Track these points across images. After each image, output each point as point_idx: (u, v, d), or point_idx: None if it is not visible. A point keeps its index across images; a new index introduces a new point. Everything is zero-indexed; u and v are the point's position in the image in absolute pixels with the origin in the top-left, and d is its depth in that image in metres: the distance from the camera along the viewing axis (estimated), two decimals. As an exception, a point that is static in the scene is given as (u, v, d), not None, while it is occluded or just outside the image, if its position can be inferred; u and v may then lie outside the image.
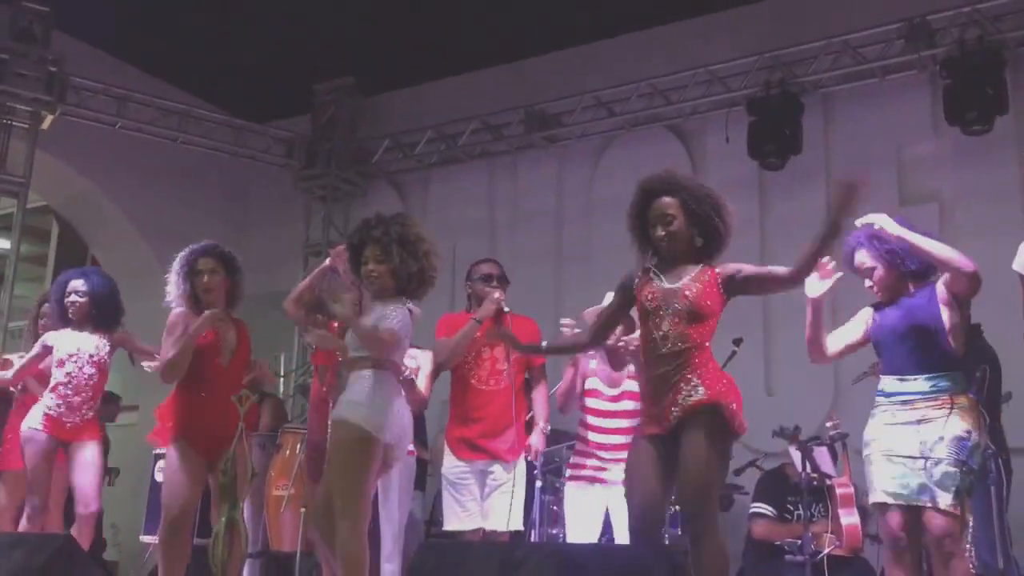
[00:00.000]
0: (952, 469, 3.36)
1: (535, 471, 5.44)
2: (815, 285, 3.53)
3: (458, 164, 8.84)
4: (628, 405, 4.24)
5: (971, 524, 3.74)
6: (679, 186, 3.34)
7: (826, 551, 4.78)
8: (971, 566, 3.67)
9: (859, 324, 3.72)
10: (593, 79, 8.03)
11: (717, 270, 3.32)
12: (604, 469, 4.23)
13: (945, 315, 3.50)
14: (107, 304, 4.95)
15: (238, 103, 9.04)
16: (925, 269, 3.58)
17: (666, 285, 3.27)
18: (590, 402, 4.36)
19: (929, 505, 3.38)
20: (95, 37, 8.48)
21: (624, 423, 4.24)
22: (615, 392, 4.34)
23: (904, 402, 3.50)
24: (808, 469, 4.78)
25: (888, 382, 3.57)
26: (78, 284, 4.94)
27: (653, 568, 2.04)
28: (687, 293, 3.24)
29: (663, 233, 3.29)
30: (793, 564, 4.87)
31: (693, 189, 3.34)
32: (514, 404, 4.41)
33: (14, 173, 7.78)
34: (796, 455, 4.82)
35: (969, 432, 3.41)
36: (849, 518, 4.91)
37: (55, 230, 10.69)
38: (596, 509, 4.18)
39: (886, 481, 3.47)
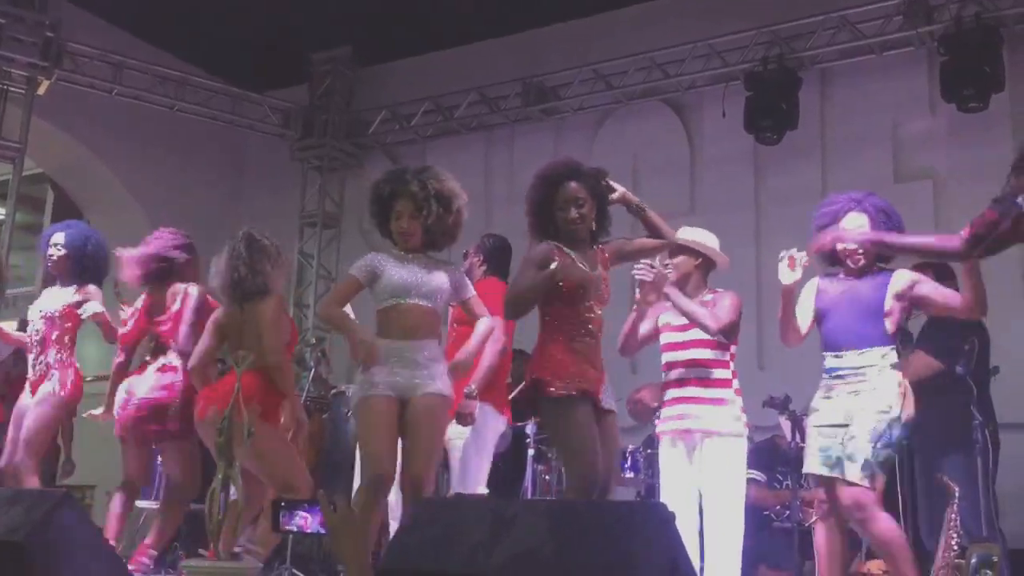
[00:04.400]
0: (866, 444, 3.50)
1: (527, 439, 5.50)
2: (787, 273, 3.68)
3: (455, 136, 8.84)
4: (698, 334, 4.04)
5: (957, 492, 3.82)
6: (584, 173, 3.45)
7: (814, 520, 4.84)
8: (956, 534, 3.75)
9: (810, 297, 3.85)
10: (591, 52, 8.03)
11: (606, 252, 3.51)
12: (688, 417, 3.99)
13: (890, 304, 3.65)
14: (86, 257, 4.79)
15: (235, 72, 9.00)
16: (889, 254, 3.72)
17: (587, 270, 3.40)
18: (665, 337, 4.13)
19: (839, 477, 3.53)
20: (92, 3, 8.43)
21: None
22: (684, 321, 4.08)
23: (838, 376, 3.66)
24: (798, 439, 4.82)
25: (827, 358, 3.73)
26: (58, 237, 4.83)
27: (645, 522, 2.08)
28: (606, 279, 3.46)
29: (576, 215, 3.38)
30: (781, 531, 4.93)
31: (595, 176, 3.46)
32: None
33: (10, 138, 7.77)
34: (786, 424, 4.86)
35: (890, 406, 3.55)
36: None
37: (50, 198, 10.67)
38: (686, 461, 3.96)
39: (813, 453, 3.66)
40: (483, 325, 3.63)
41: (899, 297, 3.68)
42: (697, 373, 3.97)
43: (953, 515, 3.88)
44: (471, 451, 4.18)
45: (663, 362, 4.13)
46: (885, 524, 3.55)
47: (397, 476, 3.42)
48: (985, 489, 3.95)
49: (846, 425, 3.56)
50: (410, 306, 3.46)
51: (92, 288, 4.78)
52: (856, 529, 3.65)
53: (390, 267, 3.52)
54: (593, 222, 3.44)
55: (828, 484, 3.63)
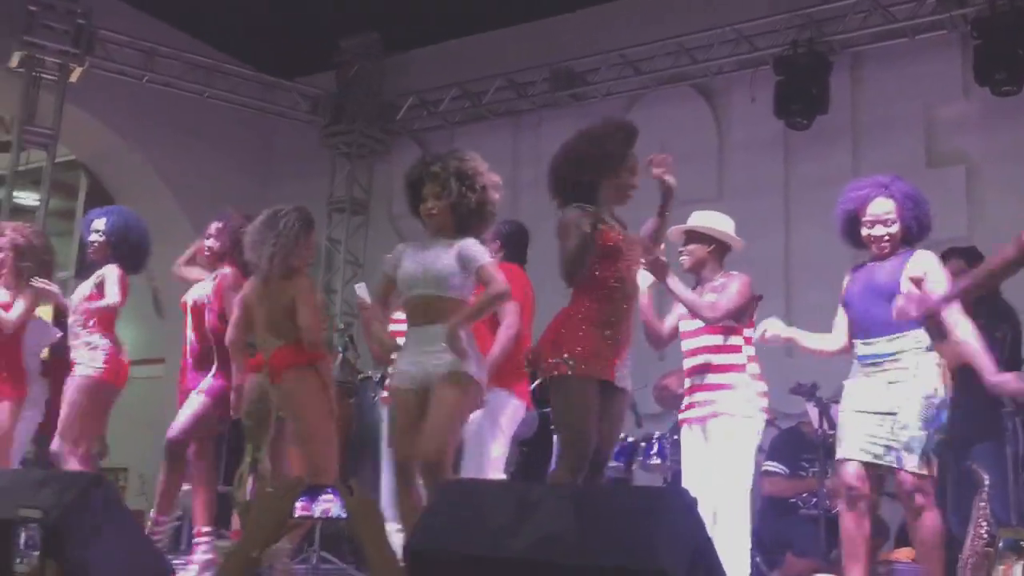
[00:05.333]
0: (919, 433, 3.47)
1: (552, 425, 5.50)
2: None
3: (482, 122, 8.83)
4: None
5: (987, 481, 3.79)
6: None
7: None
8: (986, 523, 3.72)
9: (841, 299, 3.83)
10: (619, 37, 7.98)
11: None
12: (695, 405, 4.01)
13: (907, 286, 3.55)
14: (126, 244, 4.81)
15: (265, 59, 9.06)
16: (916, 239, 3.68)
17: (626, 234, 3.40)
18: (681, 326, 4.12)
19: (896, 467, 3.50)
20: (123, -10, 8.52)
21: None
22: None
23: (873, 364, 3.61)
24: (825, 426, 4.80)
25: (857, 346, 3.68)
26: (99, 223, 4.86)
27: (667, 507, 2.08)
28: (637, 242, 3.46)
29: (637, 184, 3.44)
30: (807, 518, 4.92)
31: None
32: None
33: (43, 125, 7.86)
34: (813, 411, 4.84)
35: (935, 390, 3.51)
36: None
37: (83, 185, 10.78)
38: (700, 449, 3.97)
39: (856, 438, 3.58)
40: (492, 289, 3.45)
41: (916, 281, 3.59)
42: (707, 359, 3.98)
43: (983, 504, 3.85)
44: (486, 436, 4.18)
45: (682, 350, 4.15)
46: (937, 519, 3.54)
47: None
48: (1015, 477, 3.91)
49: (893, 413, 3.52)
50: (419, 296, 3.44)
51: (111, 269, 4.78)
52: (909, 516, 3.59)
53: (406, 258, 3.52)
54: None
55: (872, 471, 3.58)
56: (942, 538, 3.59)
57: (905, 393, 3.52)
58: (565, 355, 3.27)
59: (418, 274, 3.44)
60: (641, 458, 5.59)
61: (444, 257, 3.43)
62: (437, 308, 3.40)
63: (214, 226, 4.65)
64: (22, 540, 2.20)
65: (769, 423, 5.67)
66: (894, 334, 3.57)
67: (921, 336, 3.59)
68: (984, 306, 4.39)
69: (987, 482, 3.80)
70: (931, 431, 3.49)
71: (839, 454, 3.65)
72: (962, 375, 4.25)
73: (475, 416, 4.09)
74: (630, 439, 5.71)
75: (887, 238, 3.66)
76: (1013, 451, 3.93)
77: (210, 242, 4.62)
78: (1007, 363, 4.15)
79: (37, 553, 2.15)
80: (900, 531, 4.88)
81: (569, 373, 3.25)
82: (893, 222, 3.64)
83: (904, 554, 4.47)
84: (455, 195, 3.44)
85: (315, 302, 3.92)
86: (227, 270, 4.55)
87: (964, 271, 3.72)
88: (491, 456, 4.21)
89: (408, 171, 3.62)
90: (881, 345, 3.60)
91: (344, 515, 2.07)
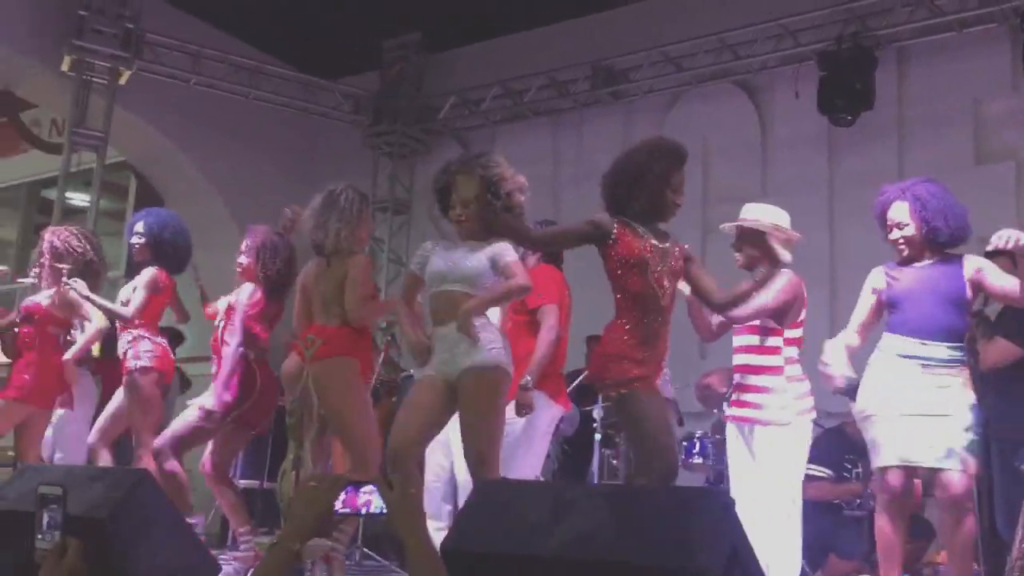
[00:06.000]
0: (974, 436, 3.50)
1: (594, 423, 5.50)
2: None
3: (523, 120, 8.85)
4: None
5: None
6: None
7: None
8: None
9: (870, 289, 3.80)
10: (661, 34, 7.95)
11: (680, 251, 3.43)
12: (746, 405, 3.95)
13: (968, 293, 3.61)
14: (164, 243, 4.87)
15: (308, 60, 9.16)
16: (949, 241, 3.65)
17: (657, 243, 3.34)
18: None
19: (958, 468, 3.48)
20: (170, -7, 8.66)
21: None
22: None
23: (925, 366, 3.58)
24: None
25: (907, 344, 3.62)
26: (139, 226, 4.94)
27: (704, 508, 2.08)
28: (676, 255, 3.38)
29: (680, 203, 3.38)
30: (851, 519, 4.86)
31: None
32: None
33: (93, 128, 8.03)
34: (856, 410, 4.77)
35: (974, 396, 3.58)
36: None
37: (133, 185, 10.99)
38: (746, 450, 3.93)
39: (904, 443, 3.55)
40: (515, 281, 3.47)
41: (972, 285, 3.62)
42: (747, 360, 3.95)
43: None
44: (522, 439, 4.18)
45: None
46: (974, 522, 3.55)
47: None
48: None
49: (946, 415, 3.51)
50: (446, 292, 3.46)
51: (147, 271, 4.86)
52: (950, 518, 3.56)
53: (435, 255, 3.55)
54: None
55: (914, 476, 3.59)
56: (975, 542, 3.60)
57: (957, 398, 3.53)
58: (612, 374, 3.29)
59: (446, 270, 3.48)
60: (683, 457, 5.56)
61: (474, 256, 3.47)
62: (460, 304, 3.41)
63: (244, 243, 4.71)
64: (44, 518, 2.25)
65: (814, 423, 5.64)
66: (955, 342, 3.59)
67: (966, 351, 3.66)
68: (1015, 314, 4.30)
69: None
70: (977, 435, 3.52)
71: (882, 460, 3.61)
72: (1009, 374, 4.20)
73: (514, 419, 4.11)
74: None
75: (902, 241, 3.69)
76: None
77: (240, 258, 4.68)
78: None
79: (58, 531, 2.20)
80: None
81: (624, 391, 3.27)
82: (906, 225, 3.66)
83: (945, 557, 4.40)
84: (480, 201, 3.47)
85: (367, 279, 3.91)
86: (252, 286, 4.60)
87: (1010, 271, 3.65)
88: (525, 458, 4.21)
89: (435, 177, 3.66)
90: (940, 350, 3.57)
91: (384, 511, 2.08)
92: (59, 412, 5.02)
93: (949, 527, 3.58)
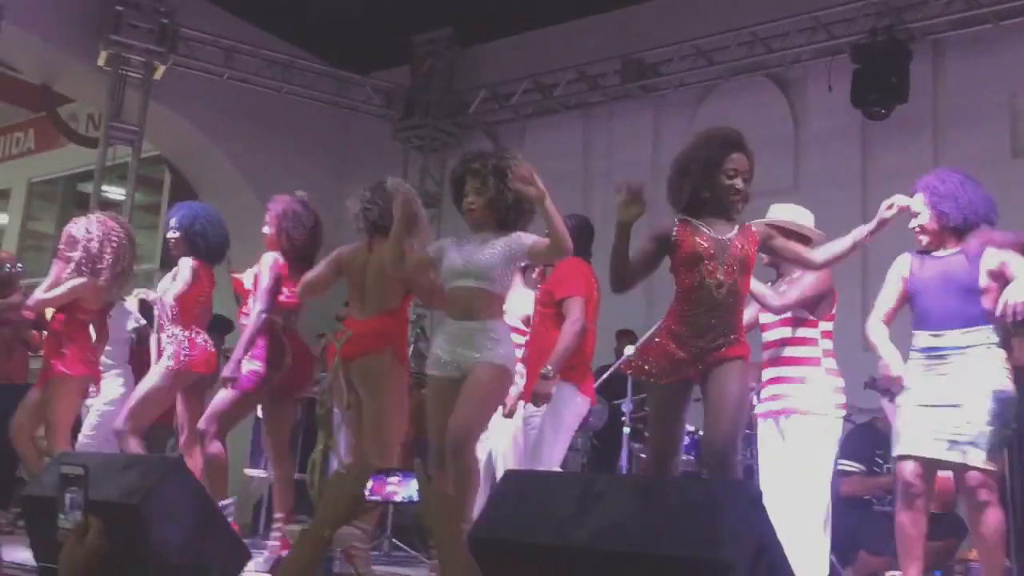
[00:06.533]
0: (987, 427, 3.42)
1: (623, 417, 5.50)
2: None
3: (554, 115, 8.85)
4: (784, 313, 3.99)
5: None
6: (748, 147, 3.39)
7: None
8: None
9: (898, 276, 3.76)
10: (692, 27, 7.91)
11: (754, 229, 3.40)
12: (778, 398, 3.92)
13: (985, 281, 3.54)
14: (196, 235, 4.87)
15: (340, 54, 9.21)
16: (963, 225, 3.62)
17: (715, 235, 3.31)
18: (760, 318, 4.04)
19: (962, 462, 3.44)
20: (204, -11, 8.75)
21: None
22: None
23: (938, 356, 3.55)
24: (901, 422, 4.69)
25: (922, 337, 3.62)
26: (173, 221, 4.96)
27: (730, 499, 2.08)
28: (739, 244, 3.31)
29: (741, 187, 3.32)
30: (881, 515, 4.82)
31: (751, 151, 3.40)
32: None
33: (129, 122, 8.13)
34: (889, 407, 4.73)
35: (1003, 386, 3.47)
36: (941, 472, 4.81)
37: (167, 179, 11.11)
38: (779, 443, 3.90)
39: (917, 435, 3.52)
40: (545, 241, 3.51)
41: (993, 275, 3.55)
42: (781, 352, 3.94)
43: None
44: (547, 431, 4.20)
45: (761, 343, 4.10)
46: (1000, 516, 3.49)
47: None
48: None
49: (957, 406, 3.47)
50: (460, 288, 3.54)
51: (183, 260, 4.87)
52: (971, 512, 3.54)
53: (450, 252, 3.62)
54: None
55: (929, 465, 3.54)
56: (1004, 537, 3.54)
57: (970, 386, 3.48)
58: (642, 363, 3.35)
59: (460, 266, 3.54)
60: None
61: (487, 250, 3.54)
62: (477, 301, 3.51)
63: (267, 214, 4.74)
64: (67, 499, 2.29)
65: (845, 419, 5.60)
66: (968, 328, 3.53)
67: (991, 333, 3.55)
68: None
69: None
70: (998, 425, 3.43)
71: (898, 450, 3.60)
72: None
73: (540, 410, 4.13)
74: (701, 432, 5.67)
75: (918, 230, 3.70)
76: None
77: (264, 228, 4.72)
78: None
79: (80, 511, 2.23)
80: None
81: (650, 381, 3.33)
82: (918, 213, 3.68)
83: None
84: (493, 191, 3.54)
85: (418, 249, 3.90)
86: (275, 254, 4.63)
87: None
88: (551, 450, 4.23)
89: (453, 167, 3.76)
90: (953, 337, 3.54)
91: (411, 500, 2.10)
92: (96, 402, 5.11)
93: (973, 521, 3.54)
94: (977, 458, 3.42)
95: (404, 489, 2.10)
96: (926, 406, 3.53)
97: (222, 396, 4.51)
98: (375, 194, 4.08)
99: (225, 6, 8.92)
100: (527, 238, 3.56)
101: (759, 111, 7.78)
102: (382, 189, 4.07)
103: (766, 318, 4.04)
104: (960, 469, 3.48)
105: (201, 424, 4.51)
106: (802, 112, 7.70)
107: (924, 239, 3.71)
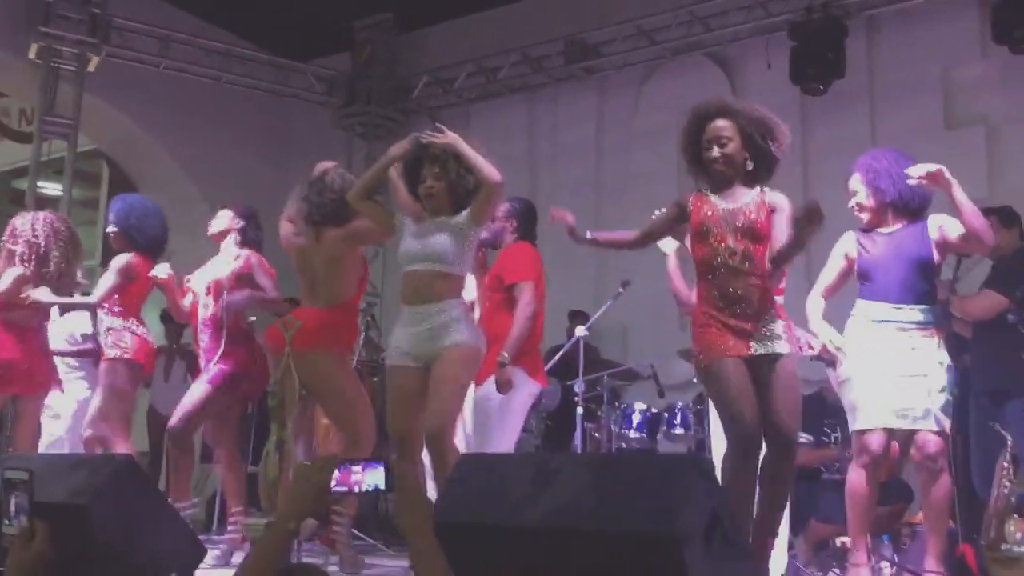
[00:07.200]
0: (946, 396, 3.57)
1: (576, 397, 5.54)
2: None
3: (498, 98, 8.83)
4: None
5: (1009, 440, 3.81)
6: (733, 109, 3.37)
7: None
8: (1009, 482, 3.73)
9: (840, 254, 3.85)
10: (633, 7, 7.94)
11: (767, 198, 3.36)
12: None
13: (935, 255, 3.68)
14: (132, 228, 4.83)
15: (279, 42, 9.08)
16: (907, 206, 3.72)
17: (724, 204, 3.33)
18: None
19: (932, 429, 3.55)
20: (136, -22, 8.55)
21: None
22: None
23: (901, 329, 3.64)
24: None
25: (880, 308, 3.68)
26: (110, 216, 4.92)
27: (684, 474, 2.10)
28: (747, 212, 3.30)
29: (718, 154, 3.32)
30: (831, 482, 4.92)
31: (747, 112, 3.37)
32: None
33: (63, 115, 7.94)
34: (833, 376, 4.83)
35: (947, 358, 3.63)
36: (889, 440, 4.93)
37: (105, 173, 10.89)
38: None
39: (884, 406, 3.60)
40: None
41: (937, 245, 3.69)
42: None
43: (1006, 463, 3.85)
44: (495, 416, 4.22)
45: None
46: (948, 480, 3.61)
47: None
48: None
49: (924, 375, 3.57)
50: (417, 271, 3.52)
51: (116, 258, 4.83)
52: (926, 478, 3.64)
53: (407, 234, 3.61)
54: (748, 161, 3.34)
55: (894, 436, 3.64)
56: (952, 502, 3.66)
57: (932, 359, 3.59)
58: (694, 350, 3.37)
59: (417, 250, 3.52)
60: (665, 428, 5.61)
61: (442, 234, 3.51)
62: (434, 284, 3.48)
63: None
64: (11, 504, 2.25)
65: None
66: (923, 304, 3.64)
67: (940, 311, 3.71)
68: (1008, 263, 4.40)
69: (1009, 442, 3.80)
70: (949, 395, 3.59)
71: (862, 423, 3.65)
72: (990, 335, 4.28)
73: (491, 394, 4.14)
74: (653, 410, 5.73)
75: (856, 208, 3.80)
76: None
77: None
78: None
79: (25, 516, 2.19)
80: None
81: (702, 367, 3.33)
82: (855, 192, 3.78)
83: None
84: (454, 175, 3.51)
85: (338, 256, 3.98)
86: (246, 252, 4.62)
87: (996, 228, 3.77)
88: (504, 435, 4.24)
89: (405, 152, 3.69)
90: (913, 313, 3.63)
91: (377, 488, 2.10)
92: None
93: (925, 486, 3.65)
94: (941, 425, 3.55)
95: (368, 478, 2.10)
96: (890, 376, 3.60)
97: (198, 394, 4.49)
98: (312, 187, 4.03)
99: (159, -5, 8.75)
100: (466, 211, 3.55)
101: (700, 90, 7.80)
102: (321, 180, 4.03)
103: None
104: (919, 436, 3.58)
105: (175, 423, 4.48)
106: (742, 90, 7.76)
107: (864, 216, 3.79)
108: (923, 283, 3.66)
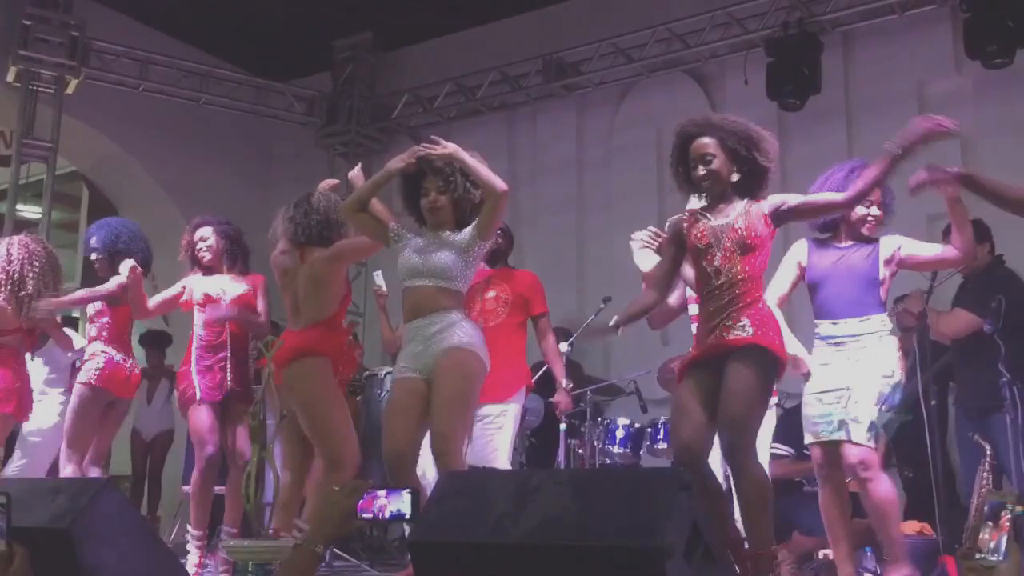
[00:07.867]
0: (870, 407, 3.56)
1: (559, 413, 5.54)
2: (645, 258, 3.73)
3: (478, 116, 8.87)
4: None
5: (988, 451, 3.84)
6: (714, 125, 3.40)
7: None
8: (988, 492, 3.76)
9: (793, 264, 3.89)
10: (610, 25, 8.00)
11: (762, 204, 3.38)
12: None
13: (883, 272, 3.71)
14: (119, 254, 4.84)
15: (259, 63, 9.09)
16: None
17: (714, 223, 3.36)
18: (692, 308, 4.15)
19: (844, 439, 3.58)
20: (116, 0, 8.55)
21: None
22: None
23: (836, 343, 3.70)
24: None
25: (823, 326, 3.76)
26: (93, 242, 4.91)
27: (664, 489, 2.12)
28: (736, 226, 3.32)
29: (704, 172, 3.35)
30: (813, 495, 4.93)
31: (728, 126, 3.40)
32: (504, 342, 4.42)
33: (42, 138, 7.92)
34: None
35: (892, 371, 3.62)
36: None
37: (85, 195, 10.84)
38: None
39: (812, 421, 3.69)
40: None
41: (887, 263, 3.74)
42: None
43: (985, 473, 3.89)
44: (506, 436, 4.28)
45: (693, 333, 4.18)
46: (886, 485, 3.64)
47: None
48: (1015, 447, 3.95)
49: (846, 388, 3.62)
50: (418, 286, 3.50)
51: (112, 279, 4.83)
52: (858, 488, 3.69)
53: (407, 248, 3.57)
54: (734, 173, 3.35)
55: (829, 448, 3.68)
56: (896, 499, 3.70)
57: (863, 370, 3.62)
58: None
59: (419, 265, 3.49)
60: (648, 443, 5.63)
61: (444, 249, 3.49)
62: (435, 298, 3.47)
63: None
64: None
65: (777, 404, 5.73)
66: (863, 316, 3.68)
67: (886, 320, 3.73)
68: (978, 277, 4.45)
69: (988, 452, 3.84)
70: (881, 407, 3.57)
71: (806, 439, 3.77)
72: (969, 347, 4.32)
73: (499, 412, 4.23)
74: (636, 425, 5.75)
75: (872, 218, 3.82)
76: (1012, 421, 3.97)
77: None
78: (1006, 332, 4.20)
79: (3, 540, 2.18)
80: (906, 505, 4.92)
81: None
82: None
83: (910, 527, 4.49)
84: (460, 190, 3.48)
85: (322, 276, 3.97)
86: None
87: (923, 244, 3.84)
88: (510, 453, 4.31)
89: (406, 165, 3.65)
90: (850, 326, 3.68)
91: (402, 514, 2.17)
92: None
93: (861, 496, 3.70)
94: (855, 433, 3.56)
95: (393, 504, 2.14)
96: (822, 392, 3.68)
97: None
98: (298, 208, 4.02)
99: (137, 17, 8.73)
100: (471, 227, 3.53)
101: (679, 106, 7.89)
102: (306, 201, 4.02)
103: (696, 308, 4.11)
104: (843, 446, 3.61)
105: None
106: (720, 105, 7.82)
107: (853, 229, 3.80)
108: (864, 296, 3.70)
